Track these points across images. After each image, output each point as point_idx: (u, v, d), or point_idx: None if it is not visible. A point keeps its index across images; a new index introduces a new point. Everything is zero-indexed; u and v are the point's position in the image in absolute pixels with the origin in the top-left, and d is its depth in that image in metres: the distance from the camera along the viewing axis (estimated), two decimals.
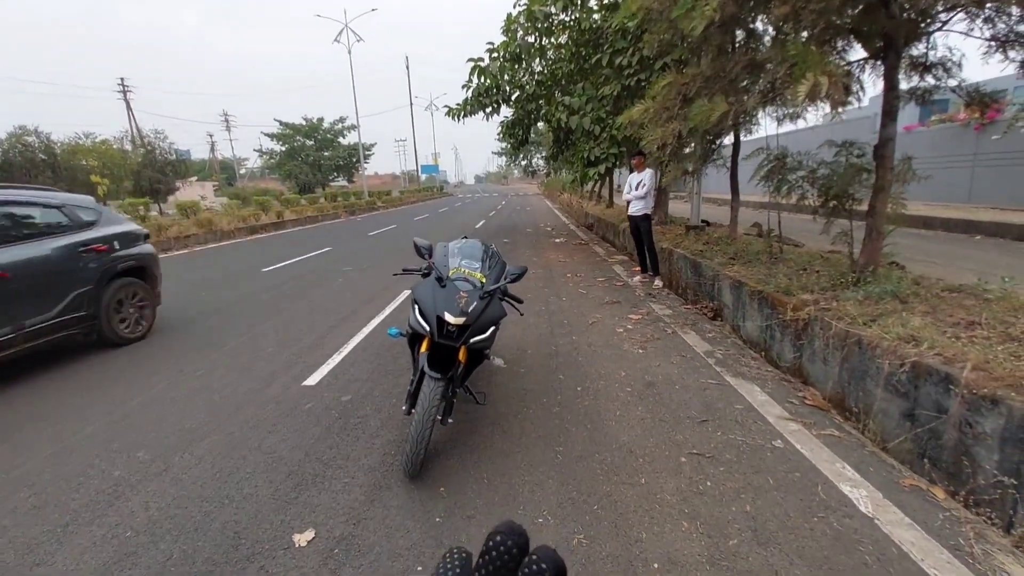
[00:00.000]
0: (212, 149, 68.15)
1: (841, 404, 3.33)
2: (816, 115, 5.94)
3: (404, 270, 2.99)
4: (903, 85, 4.43)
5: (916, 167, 4.18)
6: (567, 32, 9.55)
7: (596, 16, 8.72)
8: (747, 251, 5.95)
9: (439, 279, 2.57)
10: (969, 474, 2.40)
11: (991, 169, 12.25)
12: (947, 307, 3.48)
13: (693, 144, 6.25)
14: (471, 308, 2.43)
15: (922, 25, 4.18)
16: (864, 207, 4.47)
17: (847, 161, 4.54)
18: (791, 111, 5.44)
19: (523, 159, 46.75)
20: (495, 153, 60.92)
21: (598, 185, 18.98)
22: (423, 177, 67.66)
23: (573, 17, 9.10)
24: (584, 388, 3.56)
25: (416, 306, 2.56)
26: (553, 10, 8.92)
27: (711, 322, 5.18)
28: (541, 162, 47.34)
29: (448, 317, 2.38)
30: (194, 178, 45.59)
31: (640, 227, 6.86)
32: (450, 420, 2.57)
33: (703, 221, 8.73)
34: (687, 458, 2.63)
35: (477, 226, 17.33)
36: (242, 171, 74.07)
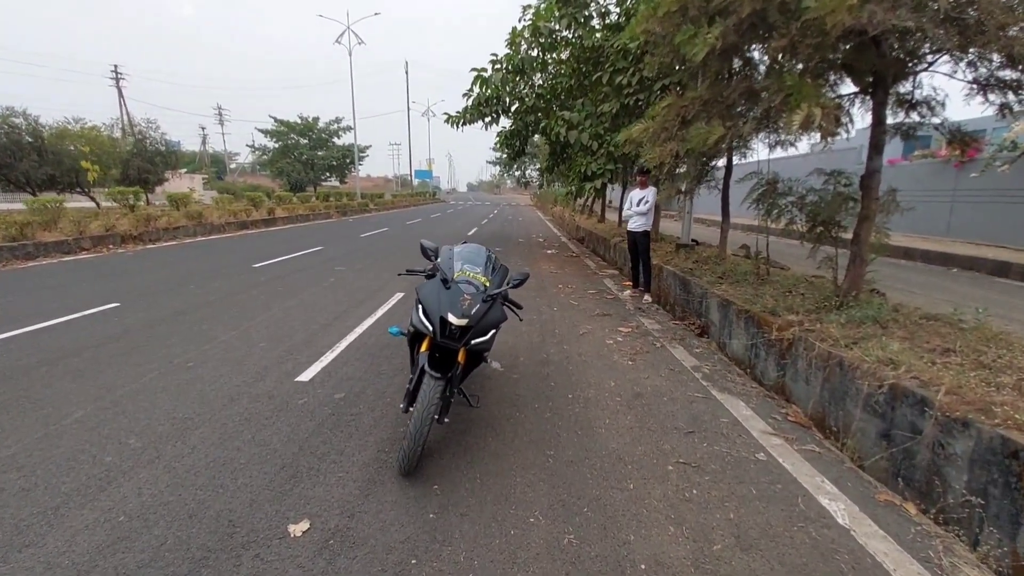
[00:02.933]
0: (203, 142, 67.58)
1: (822, 422, 3.46)
2: (805, 143, 6.19)
3: (408, 271, 3.04)
4: (889, 120, 4.64)
5: (898, 199, 4.36)
6: (569, 48, 9.77)
7: (598, 35, 8.93)
8: (735, 271, 6.12)
9: (444, 281, 2.64)
10: (940, 493, 2.51)
11: (968, 205, 12.69)
12: (924, 334, 3.64)
13: (687, 165, 6.44)
14: (474, 311, 2.49)
15: (909, 65, 4.39)
16: (849, 235, 4.65)
17: (835, 190, 4.72)
18: (783, 138, 5.66)
19: (517, 170, 47.18)
20: (489, 162, 61.31)
21: (591, 199, 19.23)
22: (416, 182, 67.68)
23: (576, 35, 9.32)
24: (575, 396, 3.64)
25: (420, 306, 2.62)
26: (557, 27, 9.12)
27: (698, 338, 5.30)
28: (535, 174, 47.84)
29: (451, 318, 2.44)
30: (183, 170, 45.03)
31: (639, 243, 6.97)
32: (446, 420, 2.62)
33: (692, 240, 8.93)
34: (674, 467, 2.72)
35: (470, 233, 17.42)
36: (232, 166, 73.41)
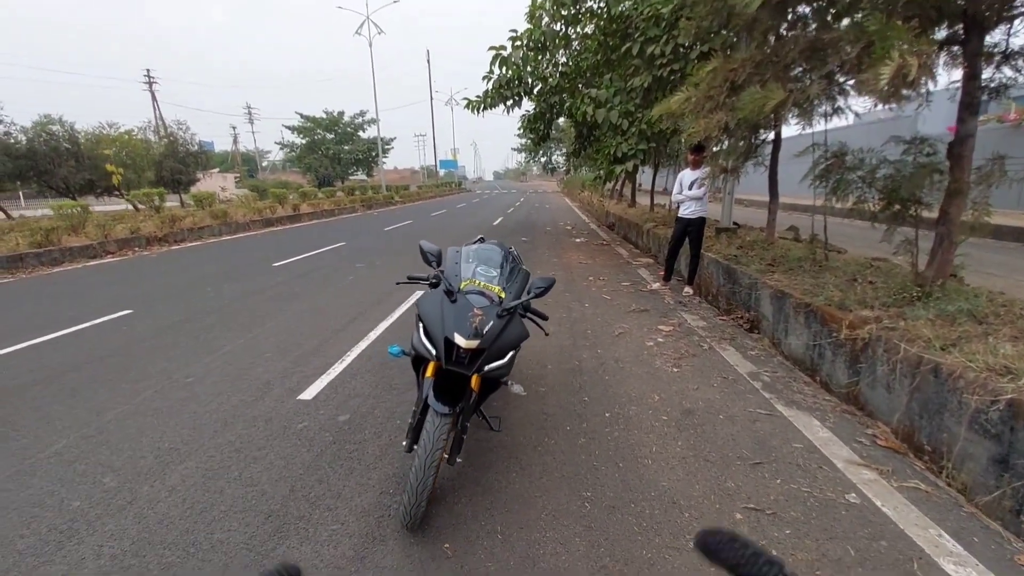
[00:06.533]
0: (235, 141, 69.01)
1: (910, 440, 2.86)
2: (862, 108, 5.38)
3: (409, 278, 2.58)
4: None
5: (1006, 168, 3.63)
6: (594, 21, 9.05)
7: (626, 3, 8.20)
8: (787, 257, 5.44)
9: (448, 292, 2.15)
10: None
11: None
12: None
13: (732, 139, 5.71)
14: (487, 329, 2.00)
15: (1011, 7, 3.65)
16: (932, 213, 3.95)
17: (915, 160, 4.01)
18: (843, 104, 4.91)
19: (543, 156, 46.27)
20: (514, 149, 60.39)
21: (620, 183, 18.42)
22: (441, 172, 67.42)
23: (601, 5, 8.59)
24: (613, 414, 3.12)
25: (420, 324, 2.15)
26: None
27: (749, 335, 4.69)
28: (561, 159, 46.81)
29: (459, 340, 1.96)
30: (216, 169, 45.99)
31: (692, 232, 6.17)
32: (459, 460, 2.15)
33: (734, 223, 8.19)
34: (743, 514, 2.18)
35: (495, 223, 16.92)
36: (264, 164, 74.85)
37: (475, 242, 3.09)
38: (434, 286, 2.37)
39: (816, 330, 3.87)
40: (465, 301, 2.09)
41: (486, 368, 2.04)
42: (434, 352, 2.03)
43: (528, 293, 2.30)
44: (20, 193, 31.39)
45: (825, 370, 3.72)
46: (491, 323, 2.02)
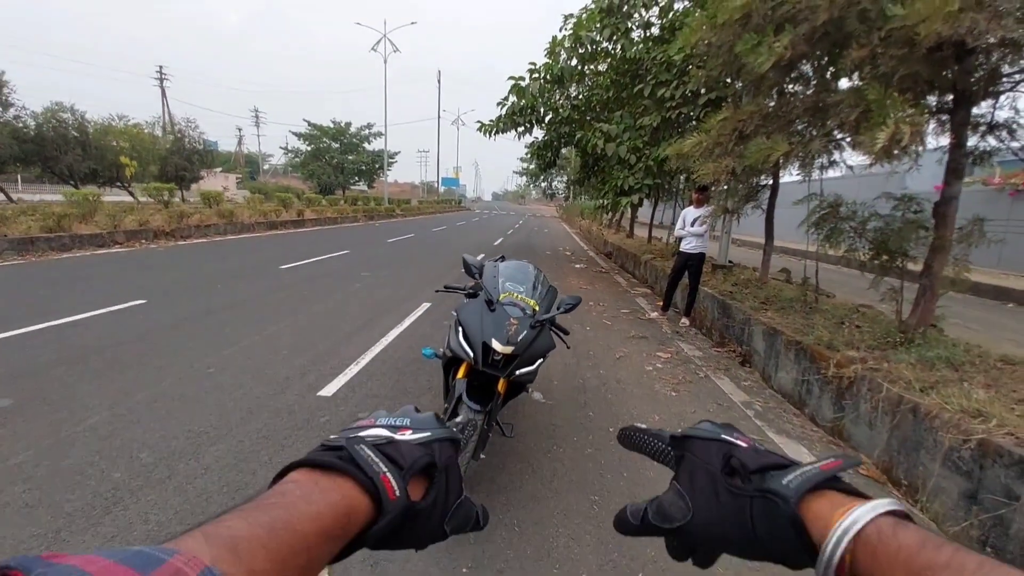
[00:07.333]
0: (239, 143, 69.48)
1: (889, 472, 3.11)
2: (858, 162, 5.80)
3: (446, 288, 2.80)
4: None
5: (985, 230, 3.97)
6: (608, 60, 9.55)
7: (639, 47, 8.69)
8: (779, 297, 5.75)
9: (488, 302, 2.38)
10: None
11: None
12: (1009, 381, 3.26)
13: (733, 183, 6.07)
14: (520, 337, 2.23)
15: (996, 83, 4.03)
16: (916, 265, 4.28)
17: (903, 216, 4.36)
18: (836, 159, 5.29)
19: (543, 181, 47.07)
20: (516, 172, 61.32)
21: (619, 215, 18.90)
22: (442, 189, 68.24)
23: (616, 46, 9.09)
24: (616, 429, 3.32)
25: (460, 328, 2.37)
26: (598, 37, 8.91)
27: (743, 368, 4.94)
28: (561, 186, 47.69)
29: (496, 345, 2.18)
30: (219, 169, 46.21)
31: (692, 266, 6.51)
32: (482, 456, 2.35)
33: (728, 261, 8.55)
34: None
35: (496, 243, 17.24)
36: (266, 167, 75.26)
37: (498, 259, 3.34)
38: (470, 296, 2.60)
39: (805, 366, 4.13)
40: (503, 311, 2.32)
41: (517, 373, 2.27)
42: (471, 354, 2.25)
43: (558, 308, 2.54)
44: (18, 177, 31.38)
45: (812, 404, 3.97)
46: (524, 332, 2.25)
